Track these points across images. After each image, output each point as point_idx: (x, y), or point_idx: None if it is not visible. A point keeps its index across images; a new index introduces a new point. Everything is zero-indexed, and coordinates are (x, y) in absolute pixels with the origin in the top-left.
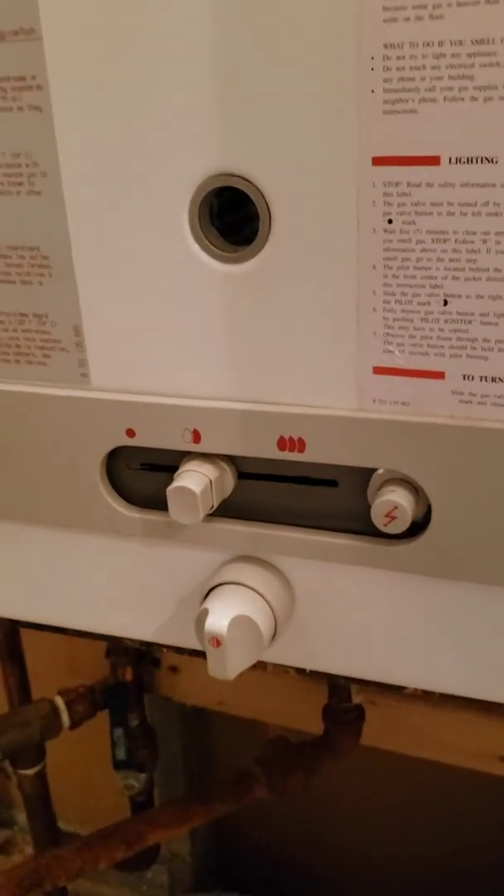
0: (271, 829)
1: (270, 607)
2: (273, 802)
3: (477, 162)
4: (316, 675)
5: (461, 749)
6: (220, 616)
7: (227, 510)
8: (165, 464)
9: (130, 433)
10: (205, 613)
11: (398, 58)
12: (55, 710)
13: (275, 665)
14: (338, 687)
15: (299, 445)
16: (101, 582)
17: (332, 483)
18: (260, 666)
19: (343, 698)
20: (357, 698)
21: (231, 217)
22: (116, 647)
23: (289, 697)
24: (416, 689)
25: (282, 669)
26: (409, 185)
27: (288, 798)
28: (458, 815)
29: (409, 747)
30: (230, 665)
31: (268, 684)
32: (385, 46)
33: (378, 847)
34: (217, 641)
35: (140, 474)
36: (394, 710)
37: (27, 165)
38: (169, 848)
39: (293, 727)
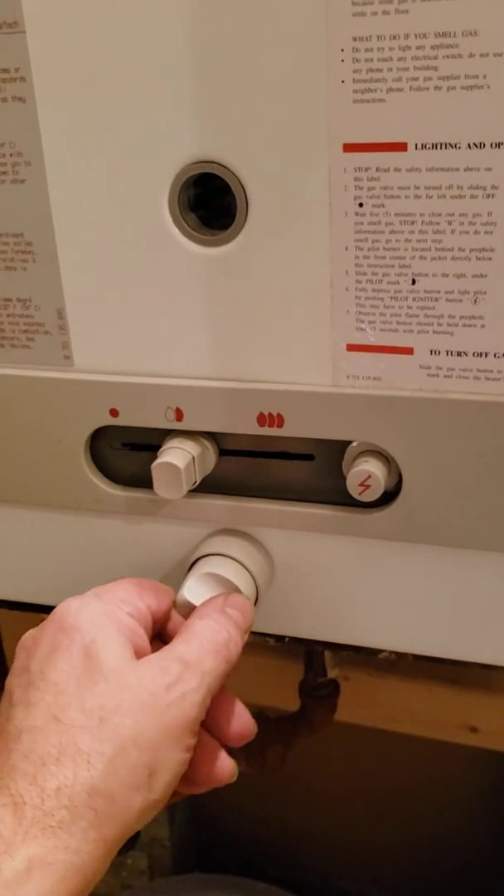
0: (249, 812)
1: (252, 576)
2: (251, 785)
3: (441, 147)
4: (294, 644)
5: (433, 721)
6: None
7: (209, 486)
8: (147, 443)
9: (114, 413)
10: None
11: (367, 50)
12: None
13: (253, 636)
14: (313, 662)
15: (278, 421)
16: (89, 559)
17: (309, 457)
18: None
19: (318, 673)
20: (332, 673)
21: (206, 209)
22: None
23: (264, 676)
24: (390, 653)
25: (262, 641)
26: (378, 170)
27: (266, 772)
28: (434, 790)
29: (383, 721)
30: None
31: (244, 663)
32: (354, 39)
33: (355, 826)
34: None
35: (123, 454)
36: (367, 685)
37: (11, 155)
38: (148, 832)
39: (269, 705)
